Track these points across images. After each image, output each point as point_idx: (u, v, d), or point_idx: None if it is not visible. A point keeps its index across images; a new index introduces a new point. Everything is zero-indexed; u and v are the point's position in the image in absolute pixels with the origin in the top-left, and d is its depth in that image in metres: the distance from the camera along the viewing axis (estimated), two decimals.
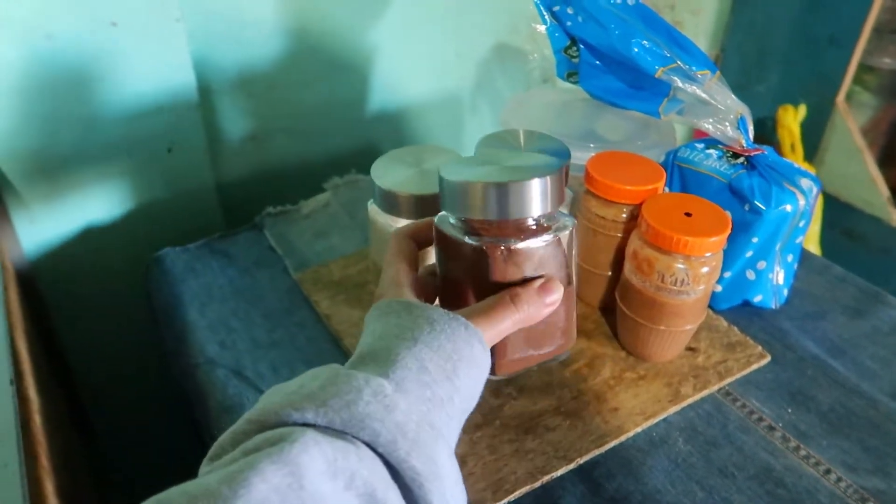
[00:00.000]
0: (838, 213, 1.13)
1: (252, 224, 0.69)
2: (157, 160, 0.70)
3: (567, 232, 0.42)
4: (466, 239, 0.40)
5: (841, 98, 1.07)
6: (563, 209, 0.49)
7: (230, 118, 0.76)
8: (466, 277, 0.42)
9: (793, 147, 1.08)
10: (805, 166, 1.09)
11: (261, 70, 0.75)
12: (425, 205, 0.50)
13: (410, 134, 0.92)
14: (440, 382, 0.33)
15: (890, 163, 1.18)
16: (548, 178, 0.39)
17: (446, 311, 0.36)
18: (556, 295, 0.40)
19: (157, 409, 0.79)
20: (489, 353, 0.37)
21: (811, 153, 1.12)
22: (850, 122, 1.07)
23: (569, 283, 0.43)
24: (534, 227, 0.41)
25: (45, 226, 0.67)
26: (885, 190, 1.07)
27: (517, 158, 0.41)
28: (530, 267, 0.41)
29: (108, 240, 0.70)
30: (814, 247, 1.11)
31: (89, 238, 0.69)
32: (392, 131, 0.90)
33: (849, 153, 1.08)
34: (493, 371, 0.43)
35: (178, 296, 0.60)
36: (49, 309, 0.71)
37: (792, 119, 1.06)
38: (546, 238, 0.41)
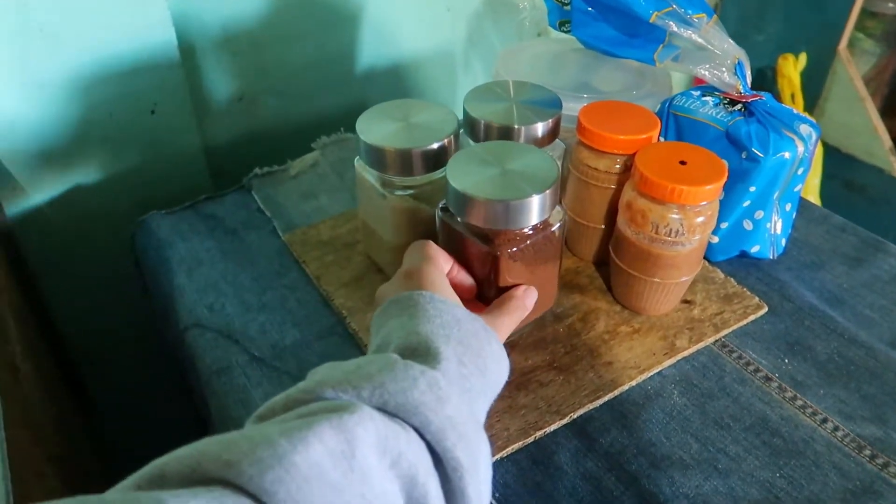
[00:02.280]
0: (839, 164, 1.11)
1: (239, 186, 0.68)
2: (140, 122, 0.68)
3: (560, 224, 0.46)
4: (476, 241, 0.44)
5: (843, 46, 1.04)
6: (555, 154, 0.49)
7: (215, 78, 0.74)
8: (472, 272, 0.46)
9: (793, 97, 1.06)
10: None
11: (245, 27, 0.73)
12: (413, 160, 0.48)
13: (402, 91, 0.90)
14: (476, 376, 0.35)
15: (892, 112, 1.15)
16: (547, 192, 0.42)
17: (466, 310, 0.39)
18: (534, 298, 0.46)
19: (154, 375, 0.79)
20: (505, 352, 0.40)
21: (812, 103, 1.09)
22: (852, 70, 1.04)
23: (557, 258, 0.48)
24: (535, 228, 0.44)
25: (28, 192, 0.65)
26: (887, 140, 1.05)
27: (517, 155, 0.45)
28: (531, 259, 0.45)
29: (94, 205, 0.69)
30: (814, 199, 1.10)
31: (74, 203, 0.68)
32: (383, 88, 0.87)
33: (850, 103, 1.06)
34: None
35: (165, 260, 0.59)
36: (36, 277, 0.70)
37: (792, 68, 1.04)
38: (545, 233, 0.45)
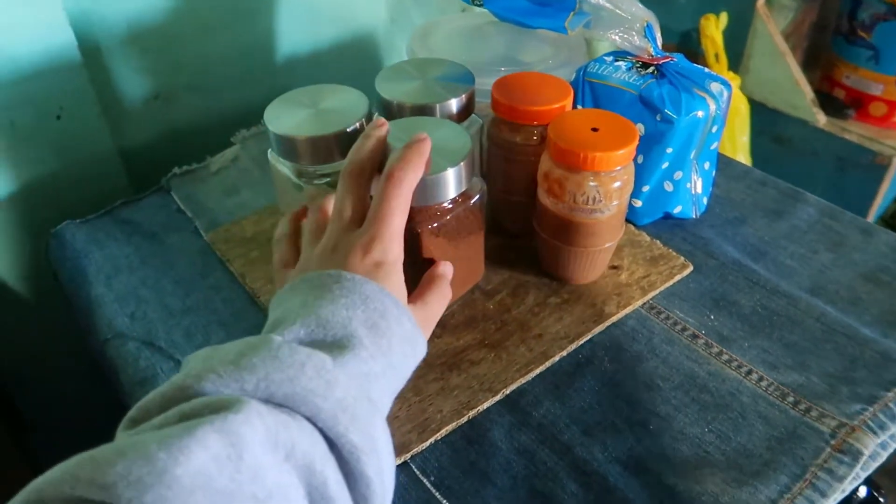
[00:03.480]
0: (766, 120, 1.13)
1: (158, 187, 0.66)
2: (46, 128, 0.65)
3: (479, 195, 0.46)
4: None
5: (761, 2, 1.06)
6: (472, 130, 0.49)
7: (126, 77, 0.71)
8: None
9: (717, 56, 1.07)
10: (730, 76, 1.09)
11: (154, 22, 0.70)
12: (324, 147, 0.47)
13: (325, 77, 0.86)
14: (376, 358, 0.34)
15: (813, 64, 1.18)
16: (462, 164, 0.42)
17: (379, 286, 0.36)
18: (451, 270, 0.45)
19: (87, 388, 0.76)
20: (420, 331, 0.38)
21: (736, 61, 1.11)
22: (772, 26, 1.06)
23: (481, 229, 0.48)
24: (454, 201, 0.44)
25: None
26: (808, 91, 1.08)
27: (428, 130, 0.43)
28: (453, 233, 0.45)
29: (6, 219, 0.66)
30: (744, 156, 1.12)
31: None
32: (305, 76, 0.85)
33: (772, 58, 1.08)
34: None
35: (81, 271, 0.57)
36: None
37: (714, 28, 1.05)
38: (465, 206, 0.45)
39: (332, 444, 0.30)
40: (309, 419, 0.30)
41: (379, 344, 0.34)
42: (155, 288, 0.54)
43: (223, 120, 0.80)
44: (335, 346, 0.33)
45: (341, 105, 0.49)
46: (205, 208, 0.62)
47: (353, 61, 0.89)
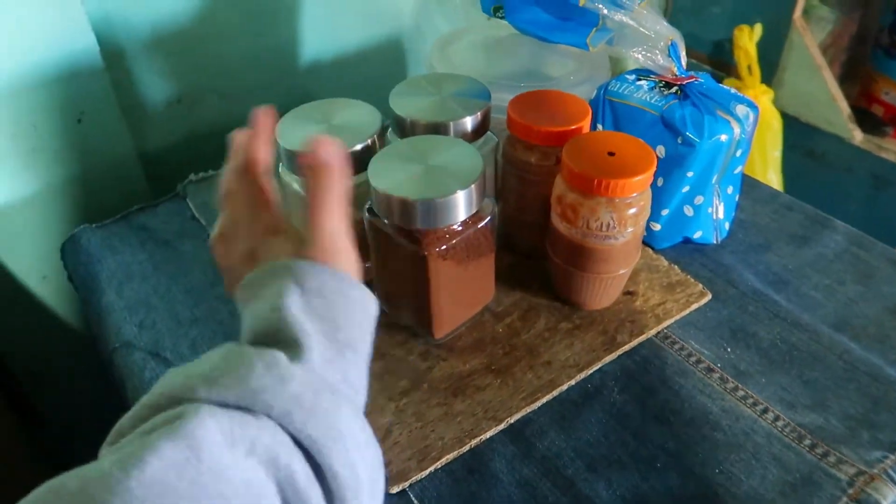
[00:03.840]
0: (800, 135, 1.10)
1: (174, 194, 0.66)
2: (68, 132, 0.65)
3: (490, 217, 0.45)
4: (403, 242, 0.43)
5: (798, 14, 1.03)
6: (487, 148, 0.49)
7: (149, 81, 0.72)
8: (405, 273, 0.45)
9: (750, 69, 1.04)
10: (763, 88, 1.06)
11: (175, 26, 0.70)
12: None
13: (348, 84, 0.87)
14: (330, 345, 0.33)
15: (850, 79, 1.14)
16: (472, 186, 0.41)
17: (314, 263, 0.34)
18: (330, 153, 0.38)
19: (101, 390, 0.77)
20: (363, 286, 0.36)
21: (769, 74, 1.08)
22: (809, 38, 1.03)
23: (492, 251, 0.47)
24: (464, 223, 0.43)
25: None
26: (845, 107, 1.04)
27: (440, 149, 0.43)
28: (462, 256, 0.44)
29: (24, 221, 0.66)
30: (775, 171, 1.09)
31: (6, 219, 0.65)
32: (329, 82, 0.85)
33: (808, 71, 1.04)
34: (430, 333, 0.48)
35: (94, 276, 0.57)
36: None
37: (748, 39, 1.02)
38: (475, 228, 0.44)
39: (296, 440, 0.29)
40: (267, 415, 0.29)
41: (327, 331, 0.33)
42: (165, 297, 0.54)
43: (243, 125, 0.79)
44: (287, 341, 0.32)
45: (353, 121, 0.48)
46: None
47: (376, 68, 0.88)
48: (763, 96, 1.05)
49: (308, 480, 0.29)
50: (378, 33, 0.87)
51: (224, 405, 0.29)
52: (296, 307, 0.33)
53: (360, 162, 0.46)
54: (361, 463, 0.31)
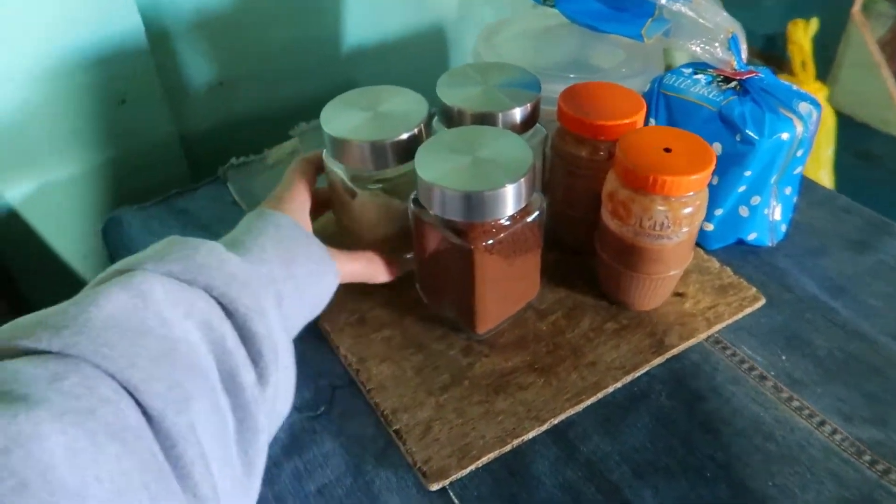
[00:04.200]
0: (853, 134, 1.06)
1: (215, 177, 0.65)
2: (110, 113, 0.66)
3: (539, 212, 0.43)
4: (449, 234, 0.42)
5: (857, 8, 0.99)
6: (535, 140, 0.47)
7: (192, 64, 0.71)
8: (449, 266, 0.44)
9: (803, 65, 1.01)
10: (816, 85, 1.02)
11: (222, 9, 0.70)
12: (381, 152, 0.45)
13: (390, 71, 0.86)
14: (276, 263, 0.38)
15: None
16: (521, 180, 0.40)
17: (295, 221, 0.42)
18: (401, 272, 0.48)
19: None
20: (332, 262, 0.42)
21: (824, 70, 1.04)
22: (867, 34, 0.99)
23: (539, 246, 0.46)
24: (512, 218, 0.42)
25: (0, 189, 0.64)
26: None
27: (489, 141, 0.42)
28: (508, 251, 0.43)
29: (66, 201, 0.67)
30: (827, 171, 1.05)
31: (47, 199, 0.66)
32: (370, 70, 0.84)
33: (864, 69, 1.00)
34: (473, 328, 0.46)
35: None
36: (15, 280, 0.69)
37: (803, 34, 0.99)
38: (522, 224, 0.42)
39: (227, 313, 0.33)
40: (204, 290, 0.32)
41: (281, 256, 0.39)
42: None
43: (283, 111, 0.79)
44: (239, 247, 0.38)
45: (400, 109, 0.47)
46: (259, 201, 0.61)
47: (419, 57, 0.87)
48: (817, 94, 1.01)
49: (236, 344, 0.32)
50: (421, 21, 0.85)
51: (169, 277, 0.32)
52: (265, 236, 0.39)
53: (407, 151, 0.45)
54: (280, 345, 0.35)
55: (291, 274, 0.39)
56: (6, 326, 0.28)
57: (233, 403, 0.31)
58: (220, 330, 0.31)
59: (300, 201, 0.46)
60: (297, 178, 0.47)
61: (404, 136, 0.45)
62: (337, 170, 0.48)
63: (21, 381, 0.24)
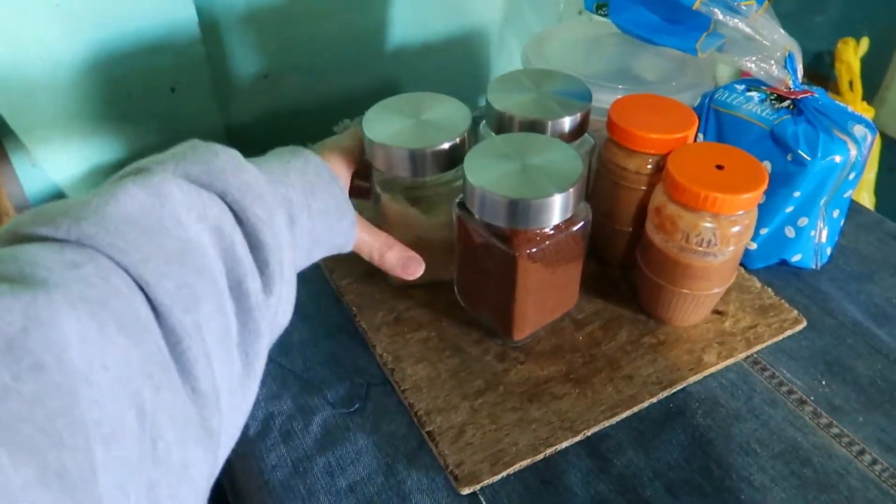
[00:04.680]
0: None
1: None
2: (160, 101, 0.67)
3: (584, 222, 0.43)
4: (493, 240, 0.42)
5: None
6: (583, 150, 0.47)
7: (240, 55, 0.72)
8: (489, 271, 0.44)
9: (851, 85, 0.99)
10: (863, 106, 1.00)
11: (271, 2, 0.71)
12: (421, 160, 0.45)
13: (432, 72, 0.86)
14: (295, 189, 0.38)
15: None
16: (571, 190, 0.40)
17: (326, 164, 0.41)
18: (413, 274, 0.45)
19: None
20: (353, 211, 0.42)
21: (872, 91, 1.02)
22: None
23: (581, 256, 0.46)
24: (557, 227, 0.42)
25: (46, 169, 0.65)
26: None
27: (539, 149, 0.42)
28: (552, 260, 0.43)
29: None
30: (868, 194, 1.03)
31: (94, 183, 0.67)
32: (412, 69, 0.84)
33: None
34: (510, 335, 0.46)
35: None
36: None
37: (852, 53, 0.97)
38: (567, 233, 0.42)
39: (239, 220, 0.33)
40: (219, 196, 0.33)
41: (302, 185, 0.38)
42: None
43: (326, 105, 0.80)
44: (262, 165, 0.37)
45: (443, 117, 0.46)
46: None
47: (462, 57, 0.87)
48: (863, 115, 0.99)
49: (245, 251, 0.32)
50: (465, 23, 0.85)
51: (186, 179, 0.32)
52: (292, 167, 0.39)
53: (449, 160, 0.45)
54: (286, 260, 0.35)
55: (308, 204, 0.38)
56: (28, 213, 0.28)
57: (237, 307, 0.32)
58: (231, 236, 0.32)
59: (344, 156, 0.45)
60: (352, 138, 0.46)
61: (446, 145, 0.45)
62: (375, 171, 0.48)
63: (40, 265, 0.25)
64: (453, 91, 0.50)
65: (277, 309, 0.35)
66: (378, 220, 0.49)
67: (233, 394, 0.31)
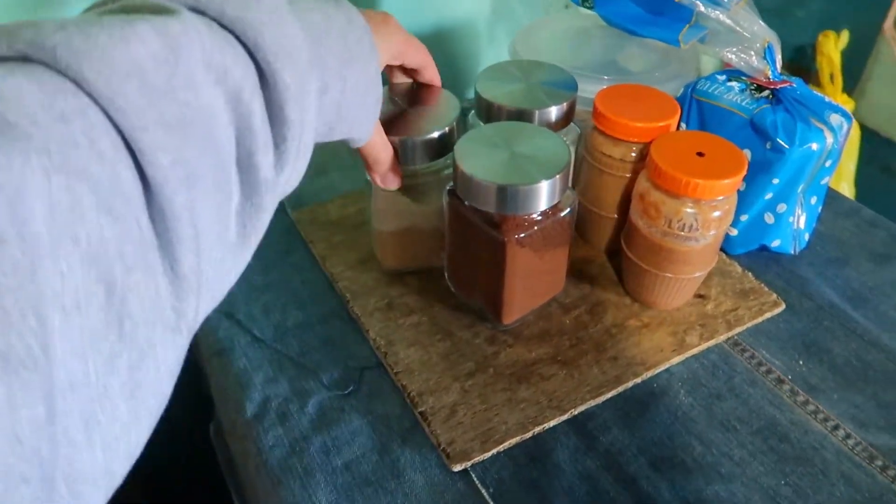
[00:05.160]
0: (877, 149, 1.06)
1: None
2: None
3: (570, 209, 0.44)
4: (483, 225, 0.43)
5: (889, 23, 0.99)
6: (569, 138, 0.48)
7: None
8: (481, 257, 0.45)
9: (832, 77, 1.01)
10: (843, 98, 1.03)
11: None
12: (412, 149, 0.46)
13: None
14: (334, 55, 0.34)
15: None
16: (557, 176, 0.41)
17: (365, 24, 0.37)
18: (386, 185, 0.46)
19: None
20: (381, 88, 0.39)
21: (852, 84, 1.04)
22: None
23: (568, 242, 0.47)
24: (544, 213, 0.43)
25: None
26: None
27: (527, 137, 0.44)
28: (539, 245, 0.44)
29: None
30: (848, 184, 1.05)
31: None
32: None
33: (893, 84, 1.01)
34: (499, 319, 0.48)
35: None
36: None
37: (833, 46, 0.99)
38: (554, 219, 0.44)
39: (265, 83, 0.30)
40: (248, 51, 0.29)
41: (343, 48, 0.35)
42: None
43: None
44: (303, 16, 0.33)
45: (432, 107, 0.48)
46: (302, 199, 0.63)
47: (451, 52, 0.88)
48: (843, 106, 1.01)
49: (263, 123, 0.29)
50: (454, 16, 0.86)
51: (217, 21, 0.28)
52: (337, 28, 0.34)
53: (438, 149, 0.46)
54: (307, 134, 0.32)
55: (343, 75, 0.35)
56: (20, 23, 0.25)
57: (243, 179, 0.29)
58: (250, 105, 0.29)
59: (390, 32, 0.43)
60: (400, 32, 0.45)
61: (435, 134, 0.46)
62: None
63: (26, 114, 0.22)
64: (443, 82, 0.51)
65: (286, 184, 0.32)
66: (370, 207, 0.51)
67: (222, 261, 0.29)
